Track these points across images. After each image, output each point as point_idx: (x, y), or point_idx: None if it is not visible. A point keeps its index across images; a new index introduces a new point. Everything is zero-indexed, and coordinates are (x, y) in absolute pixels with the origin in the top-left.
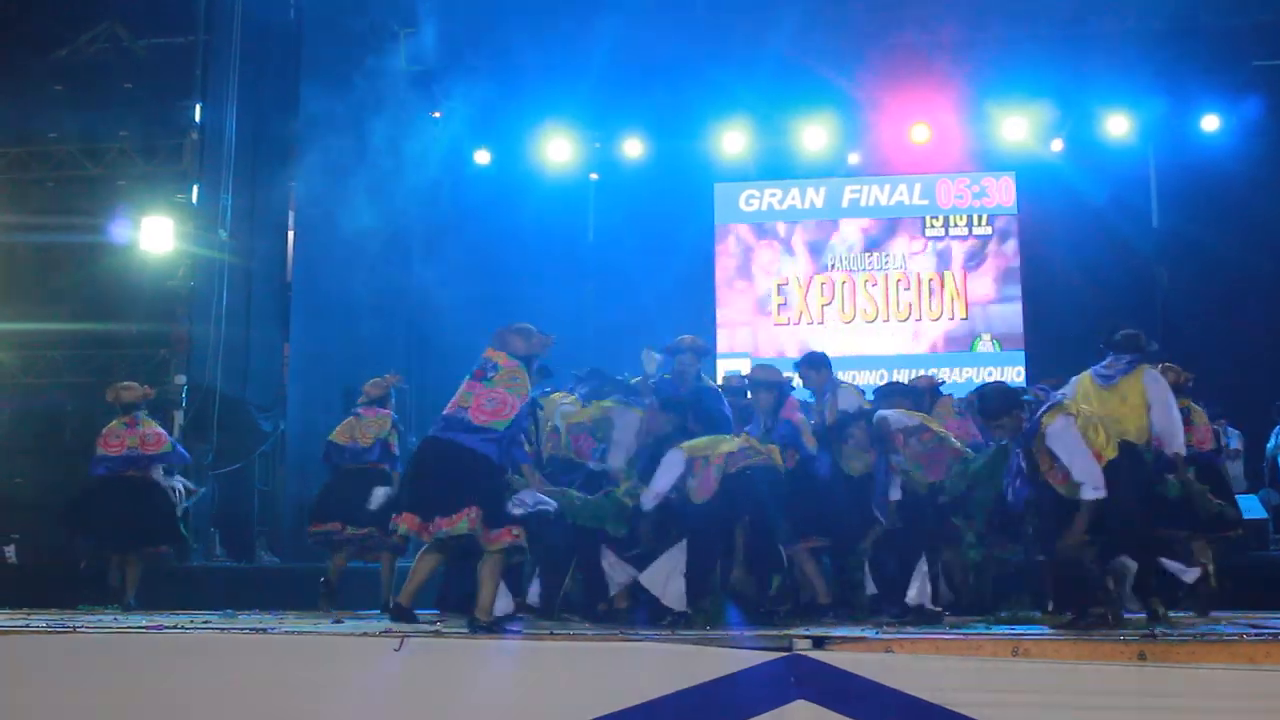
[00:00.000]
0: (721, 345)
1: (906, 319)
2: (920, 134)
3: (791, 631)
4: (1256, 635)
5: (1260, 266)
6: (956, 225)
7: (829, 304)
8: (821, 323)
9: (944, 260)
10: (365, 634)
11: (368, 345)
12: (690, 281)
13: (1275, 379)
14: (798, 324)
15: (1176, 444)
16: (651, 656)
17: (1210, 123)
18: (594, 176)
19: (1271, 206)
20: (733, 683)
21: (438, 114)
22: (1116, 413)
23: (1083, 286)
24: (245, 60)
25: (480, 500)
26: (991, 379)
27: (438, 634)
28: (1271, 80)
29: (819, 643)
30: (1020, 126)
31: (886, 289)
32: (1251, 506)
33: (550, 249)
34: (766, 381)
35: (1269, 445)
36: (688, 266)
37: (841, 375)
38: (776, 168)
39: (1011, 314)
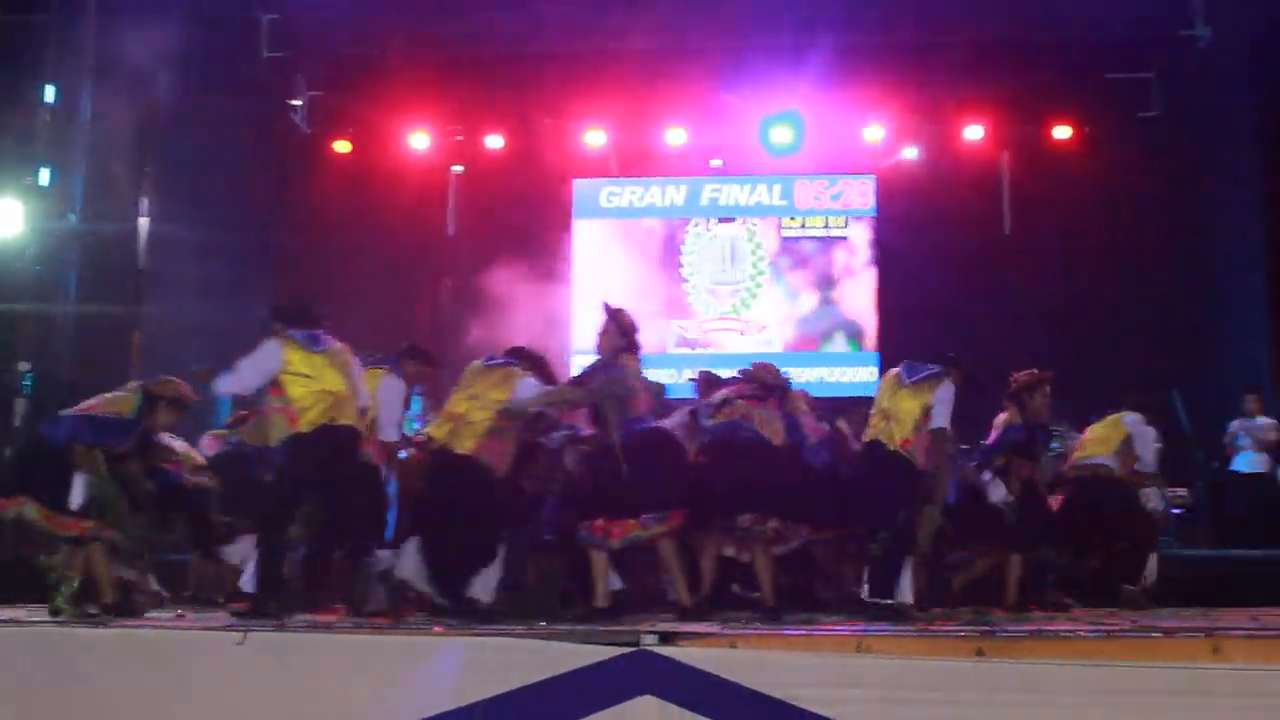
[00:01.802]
0: (577, 342)
1: (761, 317)
2: (780, 135)
3: (638, 627)
4: (1090, 633)
5: (1108, 274)
6: (814, 226)
7: (685, 301)
8: (679, 319)
9: (800, 260)
10: (208, 629)
11: (221, 332)
12: (547, 276)
13: (1118, 377)
14: (653, 320)
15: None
16: (496, 652)
17: (1062, 132)
18: (456, 169)
19: (1120, 216)
20: (578, 678)
21: (297, 101)
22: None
23: (937, 290)
24: (100, 40)
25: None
26: (844, 378)
27: (282, 628)
28: (1121, 92)
29: (665, 638)
30: (880, 131)
31: (742, 287)
32: None
33: (409, 240)
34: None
35: None
36: (546, 261)
37: (690, 374)
38: (637, 165)
39: (866, 315)
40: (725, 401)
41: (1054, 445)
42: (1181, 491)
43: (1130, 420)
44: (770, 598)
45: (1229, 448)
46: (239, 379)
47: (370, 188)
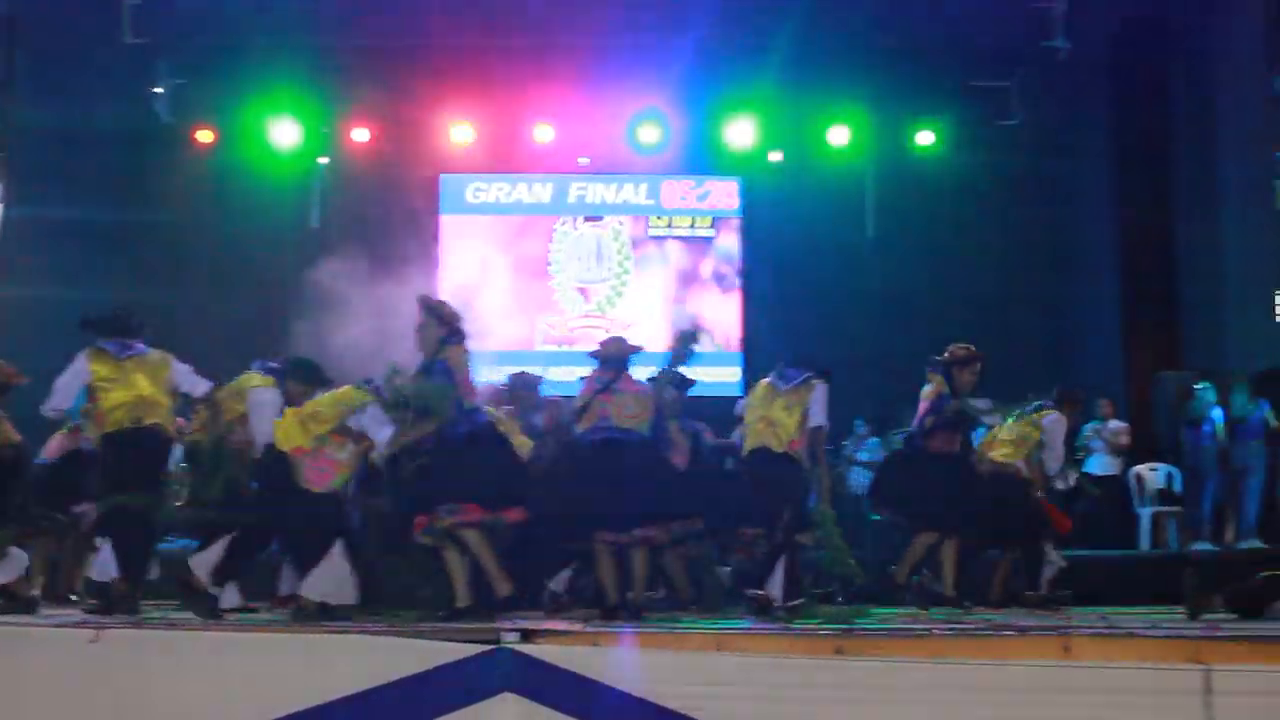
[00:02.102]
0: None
1: (626, 316)
2: (648, 135)
3: (498, 624)
4: (943, 630)
5: (968, 279)
6: (681, 226)
7: (551, 299)
8: (545, 316)
9: (666, 260)
10: (61, 625)
11: (76, 319)
12: (413, 272)
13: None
14: (519, 318)
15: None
16: (351, 649)
17: (925, 137)
18: (322, 161)
19: (980, 222)
20: (436, 677)
21: (159, 89)
22: (777, 417)
23: (801, 291)
24: None
25: None
26: (708, 378)
27: (138, 625)
28: (983, 100)
29: (526, 636)
30: (746, 132)
31: (608, 286)
32: None
33: (271, 232)
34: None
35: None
36: (411, 257)
37: (556, 372)
38: (505, 161)
39: (731, 315)
40: (585, 407)
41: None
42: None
43: (1049, 421)
44: (639, 596)
45: (1082, 451)
46: (55, 397)
47: (233, 178)
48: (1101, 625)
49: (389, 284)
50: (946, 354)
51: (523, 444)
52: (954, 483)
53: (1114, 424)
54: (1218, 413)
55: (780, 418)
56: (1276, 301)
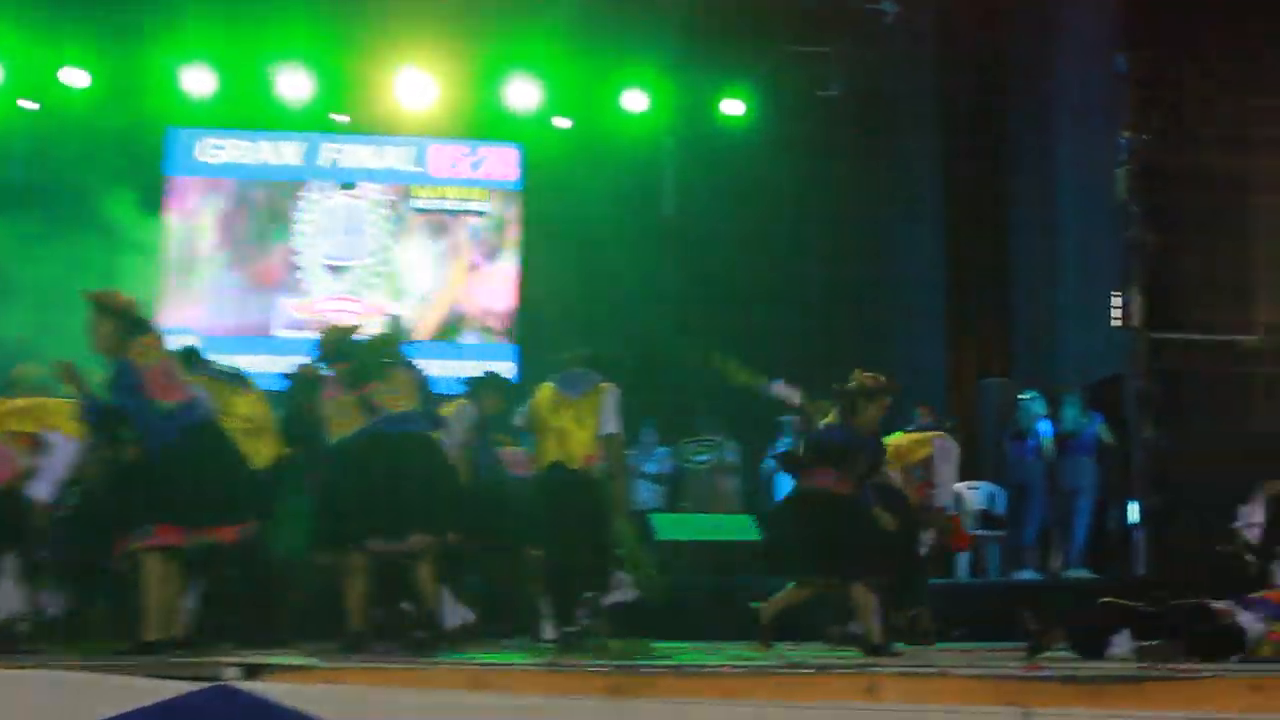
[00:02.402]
0: (170, 318)
1: (384, 301)
2: (416, 92)
3: (221, 659)
4: (737, 670)
5: (778, 264)
6: (450, 198)
7: (296, 277)
8: (289, 297)
9: (432, 236)
10: None
11: None
12: (138, 239)
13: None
14: (257, 298)
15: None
16: (29, 686)
17: (732, 107)
18: (28, 105)
19: (794, 202)
20: (141, 718)
21: None
22: (568, 429)
23: (586, 275)
24: None
25: None
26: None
27: None
28: (799, 65)
29: (252, 671)
30: (528, 94)
31: (364, 265)
32: (745, 528)
33: None
34: None
35: (766, 464)
36: (135, 221)
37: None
38: (247, 115)
39: (505, 301)
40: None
41: (702, 458)
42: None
43: (940, 444)
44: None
45: None
46: None
47: None
48: (912, 663)
49: (104, 253)
50: (852, 382)
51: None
52: (854, 525)
53: None
54: (1045, 426)
55: (571, 429)
56: (1114, 305)
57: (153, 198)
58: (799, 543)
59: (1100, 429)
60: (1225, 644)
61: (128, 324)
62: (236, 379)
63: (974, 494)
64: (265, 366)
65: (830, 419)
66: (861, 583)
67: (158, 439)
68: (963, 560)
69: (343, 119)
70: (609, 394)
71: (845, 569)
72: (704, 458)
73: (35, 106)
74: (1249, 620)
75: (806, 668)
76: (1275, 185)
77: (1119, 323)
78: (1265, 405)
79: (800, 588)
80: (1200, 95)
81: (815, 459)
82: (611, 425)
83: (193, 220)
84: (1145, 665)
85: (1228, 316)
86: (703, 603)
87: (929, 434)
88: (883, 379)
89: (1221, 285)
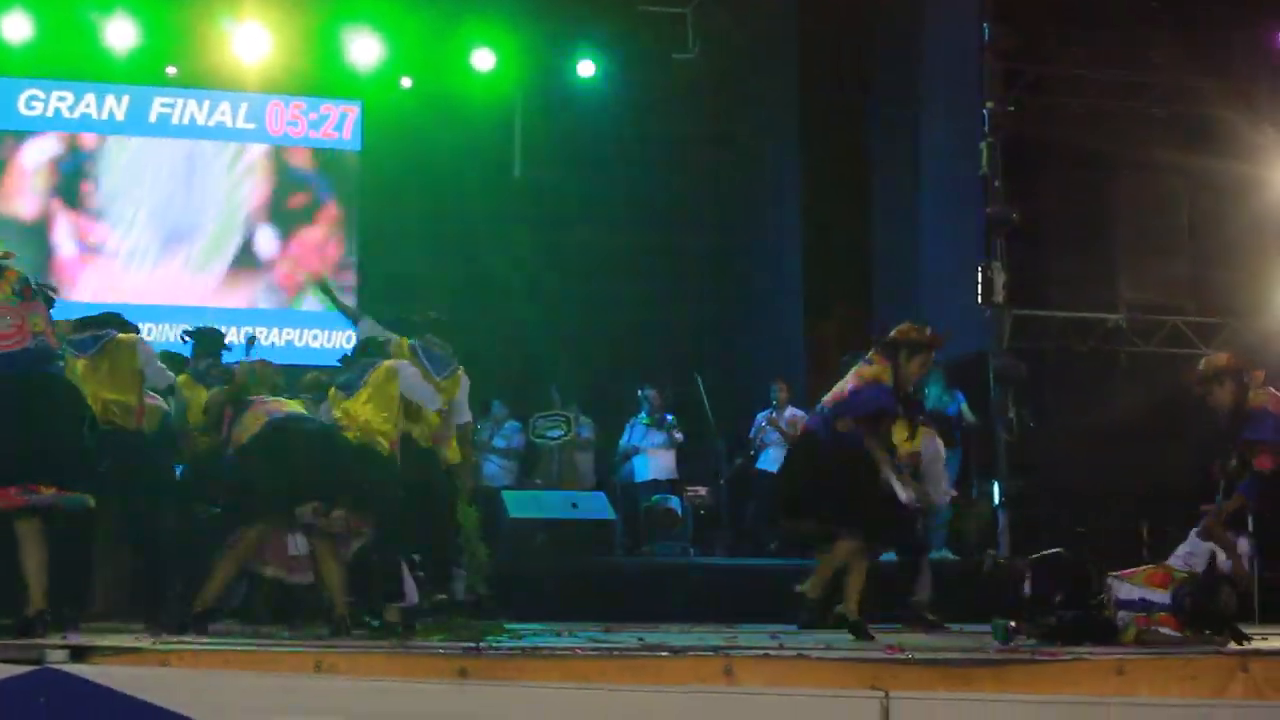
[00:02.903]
0: None
1: (217, 264)
2: (251, 44)
3: (47, 640)
4: (589, 650)
5: (630, 233)
6: (288, 157)
7: (128, 238)
8: (113, 260)
9: (269, 198)
10: None
11: None
12: None
13: (636, 357)
14: (79, 261)
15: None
16: None
17: (585, 68)
18: None
19: (648, 168)
20: None
21: None
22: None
23: (431, 239)
24: None
25: None
26: (317, 342)
27: None
28: (655, 26)
29: (79, 654)
30: (370, 50)
31: (196, 226)
32: (600, 506)
33: None
34: None
35: (622, 440)
36: None
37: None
38: (69, 65)
39: (346, 265)
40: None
41: (555, 433)
42: (702, 491)
43: (926, 443)
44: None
45: (755, 442)
46: None
47: None
48: (771, 645)
49: None
50: (895, 333)
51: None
52: (872, 484)
53: (791, 412)
54: None
55: (426, 412)
56: (979, 281)
57: None
58: (822, 493)
59: (963, 407)
60: (1096, 630)
61: None
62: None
63: None
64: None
65: (877, 373)
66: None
67: None
68: None
69: (171, 71)
70: (465, 381)
71: (868, 529)
72: (557, 433)
73: None
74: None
75: (663, 650)
76: (1140, 161)
77: (981, 299)
78: (1127, 384)
79: (830, 557)
80: (1065, 69)
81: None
82: (467, 414)
83: (10, 178)
84: (1007, 648)
85: (1091, 294)
86: (557, 583)
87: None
88: (927, 331)
89: (1085, 262)
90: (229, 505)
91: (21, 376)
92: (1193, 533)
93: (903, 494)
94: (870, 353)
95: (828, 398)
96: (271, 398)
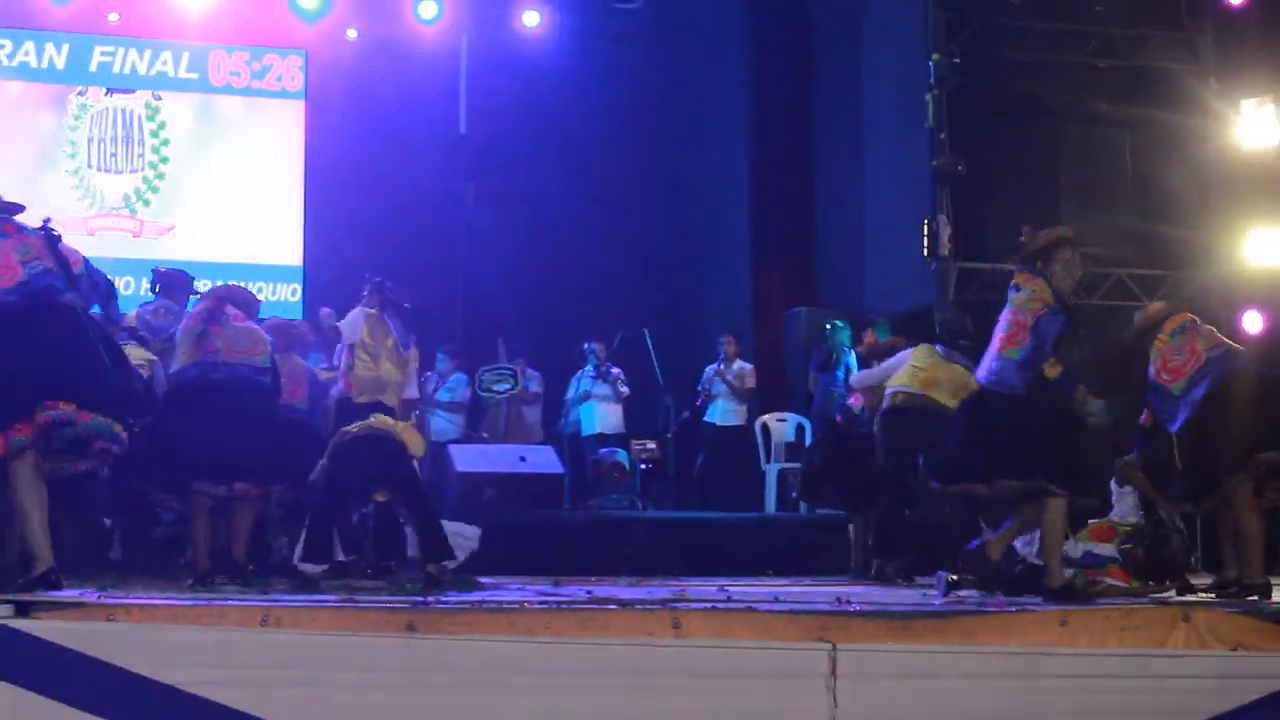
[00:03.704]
0: None
1: (164, 217)
2: None
3: None
4: (537, 604)
5: (577, 186)
6: (229, 108)
7: (67, 189)
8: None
9: (209, 151)
10: None
11: None
12: None
13: (582, 310)
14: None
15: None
16: None
17: (530, 18)
18: None
19: (595, 120)
20: None
21: None
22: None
23: (373, 192)
24: None
25: None
26: (262, 295)
27: None
28: None
29: (23, 609)
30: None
31: (140, 178)
32: (548, 460)
33: None
34: None
35: (568, 394)
36: None
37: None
38: (6, 14)
39: (290, 219)
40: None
41: (502, 386)
42: (650, 445)
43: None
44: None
45: (702, 395)
46: None
47: None
48: (717, 598)
49: None
50: (1032, 243)
51: None
52: (1078, 433)
53: (739, 365)
54: (853, 358)
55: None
56: (924, 234)
57: None
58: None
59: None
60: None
61: None
62: None
63: (782, 426)
64: None
65: (1039, 294)
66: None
67: None
68: (770, 493)
69: (114, 18)
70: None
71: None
72: (504, 386)
73: None
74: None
75: (611, 603)
76: (1085, 113)
77: (927, 252)
78: (1072, 337)
79: (1025, 519)
80: (1010, 19)
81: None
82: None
83: None
84: (952, 599)
85: None
86: (505, 537)
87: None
88: (1064, 230)
89: (1031, 215)
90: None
91: (20, 307)
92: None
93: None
94: (1017, 276)
95: (1000, 345)
96: None
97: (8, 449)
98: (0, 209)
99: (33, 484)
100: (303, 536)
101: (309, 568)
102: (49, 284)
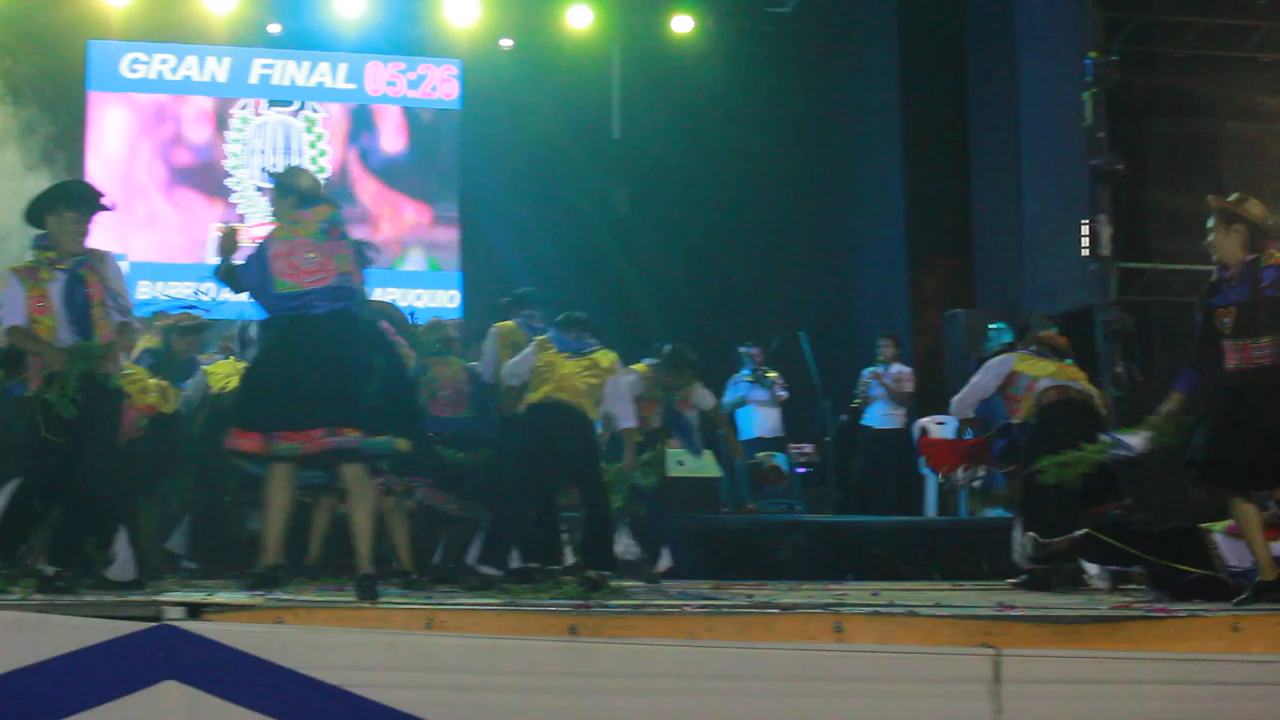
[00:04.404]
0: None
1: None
2: (351, 6)
3: (161, 597)
4: (697, 609)
5: (731, 191)
6: (386, 118)
7: (230, 201)
8: (221, 223)
9: (369, 158)
10: None
11: None
12: (56, 160)
13: (738, 314)
14: (190, 222)
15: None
16: None
17: (682, 24)
18: None
19: (747, 125)
20: (84, 660)
21: None
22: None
23: (531, 200)
24: None
25: None
26: (421, 302)
27: None
28: None
29: (195, 611)
30: (469, 9)
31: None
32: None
33: None
34: None
35: (725, 398)
36: (53, 142)
37: None
38: (171, 28)
39: (447, 228)
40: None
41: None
42: (807, 449)
43: None
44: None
45: (860, 399)
46: None
47: None
48: (878, 603)
49: (21, 179)
50: (1215, 205)
51: None
52: None
53: (896, 368)
54: None
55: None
56: (1084, 234)
57: (73, 115)
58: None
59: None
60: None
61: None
62: None
63: (941, 429)
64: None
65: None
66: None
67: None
68: (930, 498)
69: (274, 29)
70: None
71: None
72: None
73: None
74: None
75: (772, 607)
76: (1246, 110)
77: (1087, 253)
78: None
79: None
80: (1168, 16)
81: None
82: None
83: (116, 140)
84: (1121, 604)
85: (1198, 246)
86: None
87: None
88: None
89: (1192, 214)
90: None
91: (324, 315)
92: None
93: None
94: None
95: None
96: None
97: (270, 452)
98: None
99: (281, 487)
100: (481, 538)
101: (489, 570)
102: (349, 297)
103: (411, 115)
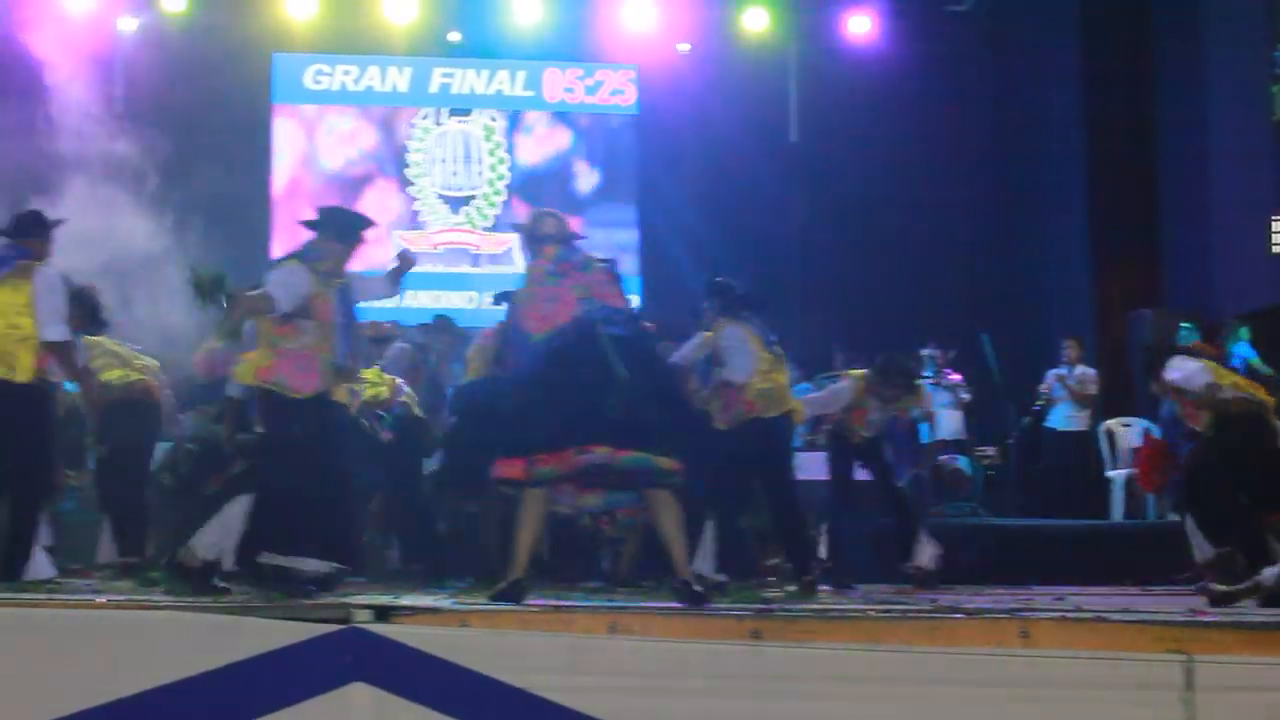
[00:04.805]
0: (275, 249)
1: (501, 233)
2: (529, 13)
3: (351, 600)
4: (880, 613)
5: (910, 193)
6: (566, 124)
7: (411, 209)
8: (402, 230)
9: (549, 165)
10: None
11: None
12: (243, 170)
13: (919, 317)
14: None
15: None
16: (176, 630)
17: (859, 24)
18: (126, 28)
19: (925, 126)
20: (276, 661)
21: None
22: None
23: (710, 206)
24: None
25: None
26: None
27: None
28: None
29: (383, 614)
30: (646, 14)
31: (480, 195)
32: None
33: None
34: None
35: None
36: (241, 152)
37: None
38: (354, 39)
39: (625, 234)
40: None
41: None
42: (990, 451)
43: None
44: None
45: (1044, 401)
46: None
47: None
48: (1065, 608)
49: (214, 187)
50: None
51: None
52: None
53: (1081, 370)
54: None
55: (782, 381)
56: (1273, 230)
57: (257, 127)
58: None
59: (1254, 361)
60: None
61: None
62: None
63: (1127, 431)
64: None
65: None
66: None
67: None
68: (1117, 500)
69: (454, 37)
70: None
71: None
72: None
73: (134, 31)
74: None
75: (957, 612)
76: None
77: (1278, 249)
78: None
79: None
80: None
81: None
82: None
83: (300, 150)
84: None
85: None
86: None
87: None
88: None
89: None
90: None
91: (569, 349)
92: None
93: None
94: None
95: None
96: None
97: (529, 476)
98: (562, 248)
99: (535, 507)
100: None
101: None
102: (600, 319)
103: (588, 123)
